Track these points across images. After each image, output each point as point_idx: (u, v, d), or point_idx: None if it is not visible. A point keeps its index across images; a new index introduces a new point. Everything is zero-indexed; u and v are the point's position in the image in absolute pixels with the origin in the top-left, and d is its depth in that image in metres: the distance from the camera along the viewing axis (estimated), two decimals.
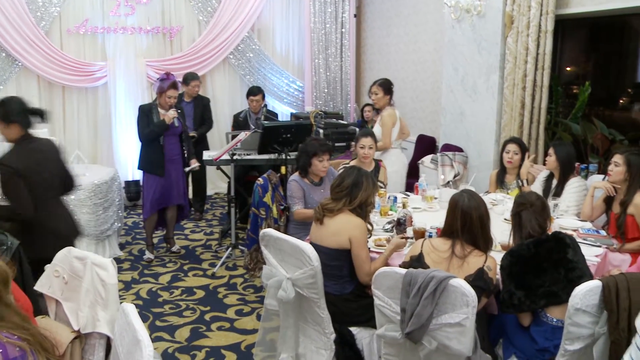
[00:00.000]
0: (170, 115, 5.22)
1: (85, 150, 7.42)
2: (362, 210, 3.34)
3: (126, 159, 7.76)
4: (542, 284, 2.69)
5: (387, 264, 3.25)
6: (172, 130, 5.35)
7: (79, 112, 7.72)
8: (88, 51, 7.62)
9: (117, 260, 5.58)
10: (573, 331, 2.52)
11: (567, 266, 2.78)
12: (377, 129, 5.50)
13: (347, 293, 3.26)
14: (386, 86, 5.60)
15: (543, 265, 2.79)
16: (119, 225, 5.85)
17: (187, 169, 5.59)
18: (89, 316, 2.58)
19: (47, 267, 2.81)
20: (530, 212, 3.01)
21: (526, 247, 2.84)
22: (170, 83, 5.26)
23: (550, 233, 2.95)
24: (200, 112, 6.89)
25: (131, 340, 2.02)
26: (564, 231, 3.14)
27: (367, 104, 7.94)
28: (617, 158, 3.95)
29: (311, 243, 3.26)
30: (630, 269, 3.37)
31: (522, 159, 4.79)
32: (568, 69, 6.18)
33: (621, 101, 5.89)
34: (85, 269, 2.65)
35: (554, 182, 4.51)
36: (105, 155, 7.84)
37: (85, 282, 2.63)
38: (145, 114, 5.28)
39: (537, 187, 4.66)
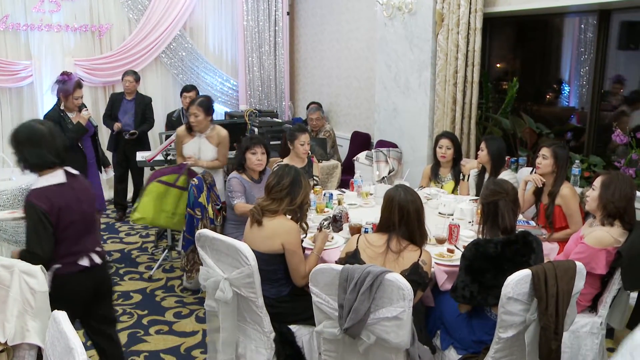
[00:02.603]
0: (85, 117, 5.08)
1: (11, 152, 7.10)
2: (301, 210, 3.30)
3: None
4: (497, 285, 2.64)
5: (323, 261, 3.25)
6: (88, 132, 5.21)
7: (2, 113, 7.38)
8: (10, 49, 7.29)
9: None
10: (506, 319, 2.60)
11: None
12: (210, 149, 4.96)
13: (284, 295, 3.24)
14: (206, 105, 4.90)
15: (504, 266, 2.75)
16: None
17: (105, 177, 5.46)
18: (18, 327, 2.49)
19: None
20: (507, 201, 2.91)
21: (494, 245, 2.80)
22: (75, 83, 5.07)
23: (519, 232, 2.88)
24: (142, 110, 6.80)
25: (63, 349, 1.96)
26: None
27: (313, 103, 7.89)
28: (545, 151, 4.08)
29: None
30: (557, 257, 3.51)
31: (455, 153, 4.89)
32: (497, 65, 6.37)
33: (547, 96, 6.11)
34: (12, 277, 2.55)
35: (486, 176, 4.62)
36: None
37: (12, 291, 2.54)
38: (57, 122, 4.92)
39: (470, 183, 4.79)
